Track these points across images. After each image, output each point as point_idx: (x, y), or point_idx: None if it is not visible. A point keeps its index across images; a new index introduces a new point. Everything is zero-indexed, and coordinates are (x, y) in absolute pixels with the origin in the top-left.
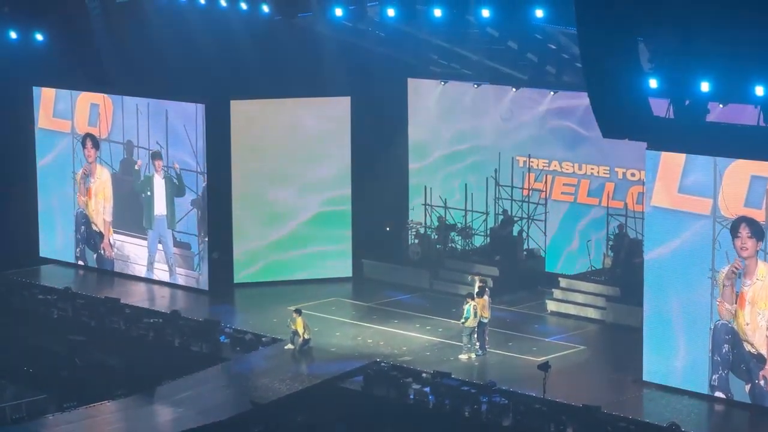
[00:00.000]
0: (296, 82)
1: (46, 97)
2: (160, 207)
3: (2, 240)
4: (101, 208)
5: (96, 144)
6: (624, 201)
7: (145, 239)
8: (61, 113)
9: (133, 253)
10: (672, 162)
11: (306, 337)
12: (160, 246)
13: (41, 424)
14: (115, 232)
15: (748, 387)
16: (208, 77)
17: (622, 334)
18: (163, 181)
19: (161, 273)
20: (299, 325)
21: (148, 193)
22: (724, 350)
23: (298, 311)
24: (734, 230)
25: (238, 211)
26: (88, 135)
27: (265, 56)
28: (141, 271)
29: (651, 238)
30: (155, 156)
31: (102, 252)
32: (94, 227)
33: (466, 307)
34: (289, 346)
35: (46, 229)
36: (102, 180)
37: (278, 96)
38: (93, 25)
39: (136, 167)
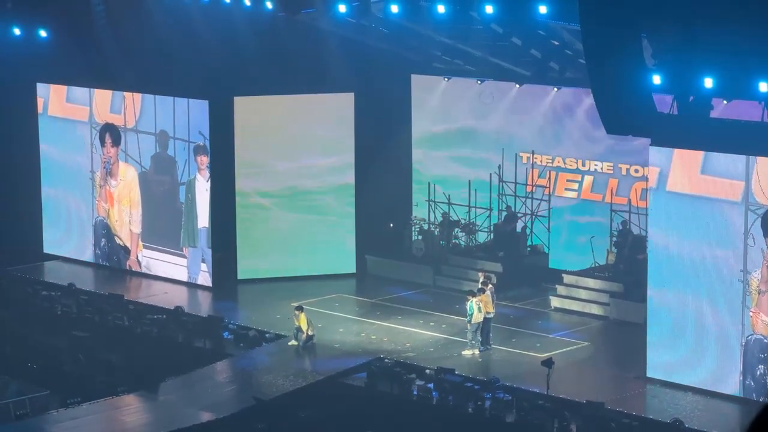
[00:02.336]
0: (300, 79)
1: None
2: (203, 218)
3: (6, 236)
4: (126, 217)
5: (116, 139)
6: (627, 197)
7: (183, 257)
8: (76, 98)
9: (166, 272)
10: None
11: (309, 333)
12: (203, 266)
13: (45, 420)
14: (144, 247)
15: None
16: (212, 74)
17: (626, 331)
18: (208, 183)
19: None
20: (302, 321)
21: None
22: (758, 372)
23: (300, 308)
24: (767, 226)
25: (242, 207)
26: (106, 127)
27: (269, 53)
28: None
29: (660, 228)
30: (198, 151)
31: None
32: (118, 240)
33: (468, 304)
34: (293, 342)
35: (50, 225)
36: (127, 181)
37: (282, 92)
38: (96, 22)
39: None
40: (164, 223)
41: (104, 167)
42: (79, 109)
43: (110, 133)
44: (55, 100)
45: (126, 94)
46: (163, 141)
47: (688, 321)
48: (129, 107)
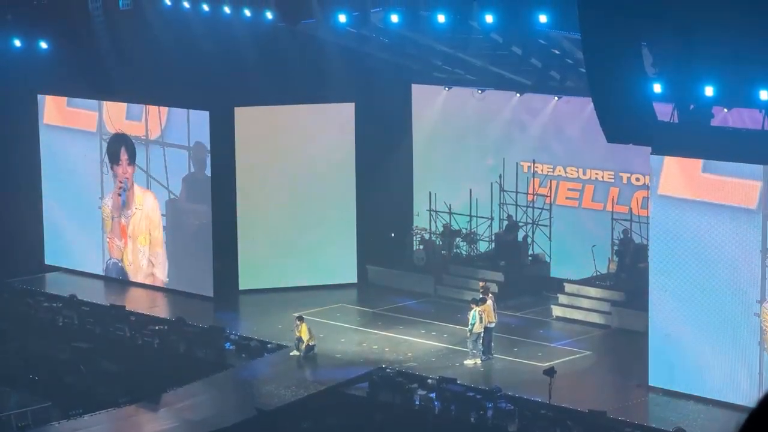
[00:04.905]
0: (300, 89)
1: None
2: None
3: (7, 248)
4: (144, 259)
5: (133, 155)
6: (629, 206)
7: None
8: (79, 102)
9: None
10: None
11: (310, 343)
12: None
13: (46, 431)
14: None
15: None
16: (212, 84)
17: (628, 339)
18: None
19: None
20: (303, 331)
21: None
22: None
23: (301, 318)
24: None
25: (243, 217)
26: (119, 139)
27: (269, 63)
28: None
29: (658, 239)
30: None
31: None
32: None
33: (471, 313)
34: (295, 352)
35: (51, 237)
36: (146, 212)
37: (282, 103)
38: (96, 33)
39: None
40: (198, 266)
41: (119, 192)
42: (84, 115)
43: (126, 146)
44: (52, 106)
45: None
46: (199, 157)
47: (690, 330)
48: (152, 112)
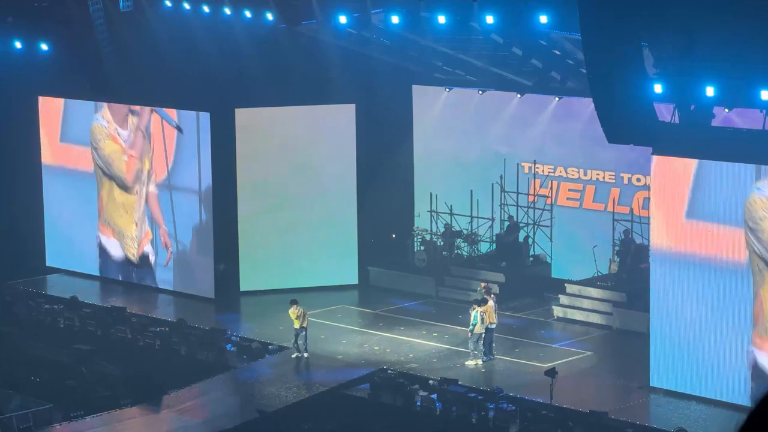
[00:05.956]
0: (301, 90)
1: (50, 113)
2: None
3: (8, 250)
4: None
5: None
6: (630, 206)
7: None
8: (75, 136)
9: None
10: None
11: (303, 325)
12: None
13: None
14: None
15: None
16: (213, 85)
17: (629, 340)
18: None
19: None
20: (294, 314)
21: None
22: None
23: (294, 300)
24: None
25: (244, 219)
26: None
27: (270, 64)
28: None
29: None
30: None
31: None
32: (130, 258)
33: (473, 313)
34: (296, 354)
35: (52, 239)
36: (145, 149)
37: (283, 104)
38: (97, 35)
39: None
40: (199, 268)
41: (145, 135)
42: (79, 151)
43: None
44: (45, 143)
45: (153, 129)
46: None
47: (692, 330)
48: (157, 141)
